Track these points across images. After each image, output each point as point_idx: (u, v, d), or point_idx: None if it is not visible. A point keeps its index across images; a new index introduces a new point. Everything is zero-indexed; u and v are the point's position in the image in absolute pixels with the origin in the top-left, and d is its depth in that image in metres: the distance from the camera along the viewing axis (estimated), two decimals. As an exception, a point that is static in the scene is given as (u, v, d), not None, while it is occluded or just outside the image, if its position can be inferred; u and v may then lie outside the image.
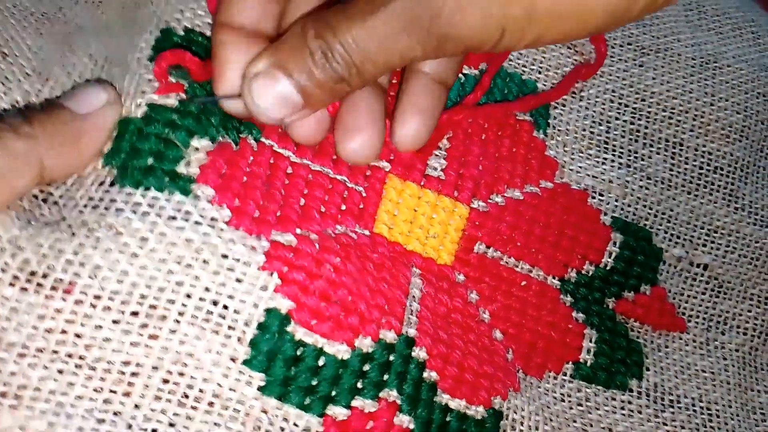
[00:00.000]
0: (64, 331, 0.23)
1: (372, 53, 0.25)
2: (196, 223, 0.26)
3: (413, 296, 0.30)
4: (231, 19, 0.27)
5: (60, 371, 0.23)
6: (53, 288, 0.24)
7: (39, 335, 0.23)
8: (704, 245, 0.37)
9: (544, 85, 0.37)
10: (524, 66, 0.37)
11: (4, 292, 0.23)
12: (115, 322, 0.24)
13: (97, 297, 0.24)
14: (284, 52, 0.25)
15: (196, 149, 0.27)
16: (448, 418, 0.28)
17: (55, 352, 0.23)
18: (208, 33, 0.30)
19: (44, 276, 0.24)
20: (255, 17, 0.27)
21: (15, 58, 0.29)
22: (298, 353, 0.26)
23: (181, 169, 0.26)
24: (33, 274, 0.24)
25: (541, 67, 0.37)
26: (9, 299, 0.23)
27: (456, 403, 0.29)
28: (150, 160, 0.26)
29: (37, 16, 0.32)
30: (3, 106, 0.27)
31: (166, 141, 0.27)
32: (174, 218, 0.25)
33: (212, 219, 0.26)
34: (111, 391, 0.24)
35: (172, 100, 0.28)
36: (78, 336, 0.24)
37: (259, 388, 0.25)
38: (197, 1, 0.31)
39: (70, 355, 0.23)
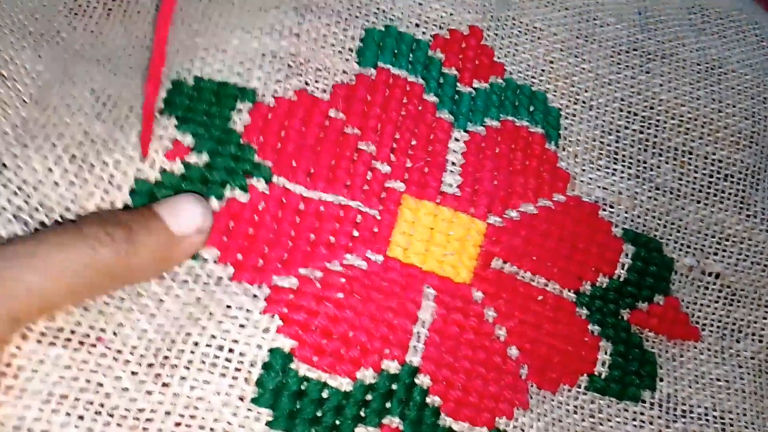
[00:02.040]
0: (87, 381, 0.25)
1: None
2: (205, 283, 0.28)
3: (422, 322, 0.30)
4: None
5: (80, 417, 0.25)
6: (80, 342, 0.26)
7: (64, 383, 0.25)
8: (716, 254, 0.37)
9: (554, 95, 0.37)
10: (533, 77, 0.37)
11: (31, 347, 0.25)
12: (133, 373, 0.26)
13: (119, 351, 0.26)
14: None
15: None
16: None
17: (77, 399, 0.25)
18: (218, 78, 0.31)
19: (72, 332, 0.26)
20: None
21: (13, 82, 0.29)
22: (303, 388, 0.27)
23: None
24: (60, 330, 0.26)
25: (550, 78, 0.37)
26: (36, 352, 0.25)
27: (459, 426, 0.29)
28: None
29: (35, 36, 0.31)
30: (4, 129, 0.27)
31: None
32: (186, 281, 0.28)
33: (218, 278, 0.28)
34: None
35: (178, 165, 0.29)
36: (100, 385, 0.25)
37: (267, 423, 0.27)
38: (206, 49, 0.32)
39: (90, 402, 0.25)
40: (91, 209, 0.27)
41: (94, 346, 0.26)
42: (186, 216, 0.27)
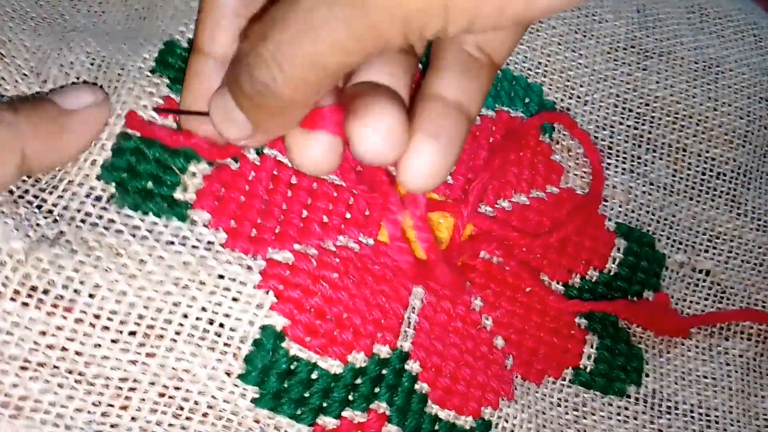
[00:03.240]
0: (64, 348, 0.24)
1: (297, 53, 0.21)
2: (193, 246, 0.27)
3: (413, 308, 0.30)
4: (205, 48, 0.27)
5: (60, 385, 0.24)
6: (54, 305, 0.25)
7: (40, 350, 0.24)
8: (706, 251, 0.37)
9: (549, 88, 0.37)
10: (529, 69, 0.37)
11: (6, 307, 0.24)
12: (113, 341, 0.25)
13: (96, 316, 0.25)
14: (229, 67, 0.24)
15: (193, 174, 0.28)
16: (436, 428, 0.29)
17: (56, 367, 0.24)
18: None
19: (45, 292, 0.25)
20: (228, 46, 0.26)
21: (12, 59, 0.29)
22: (292, 368, 0.27)
23: (178, 195, 0.27)
24: (34, 289, 0.25)
25: (546, 71, 0.37)
26: (11, 313, 0.24)
27: (445, 414, 0.29)
28: (149, 184, 0.27)
29: (37, 20, 0.31)
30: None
31: (164, 166, 0.27)
32: (172, 243, 0.26)
33: (209, 242, 0.27)
34: (109, 404, 0.25)
35: (170, 123, 0.28)
36: (78, 353, 0.25)
37: (253, 400, 0.26)
38: None
39: (70, 371, 0.24)
40: (74, 167, 0.27)
41: (68, 310, 0.25)
42: (73, 93, 0.27)
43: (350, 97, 0.23)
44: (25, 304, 0.24)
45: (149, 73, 0.29)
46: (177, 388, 0.25)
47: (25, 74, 0.28)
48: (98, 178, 0.27)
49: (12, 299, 0.24)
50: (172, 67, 0.29)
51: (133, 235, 0.26)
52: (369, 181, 0.30)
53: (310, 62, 0.21)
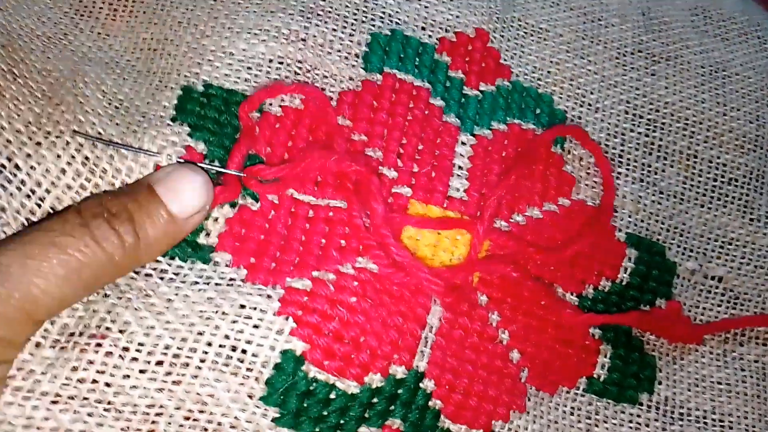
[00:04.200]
0: (95, 381, 0.26)
1: None
2: (216, 284, 0.28)
3: (430, 327, 0.30)
4: None
5: (90, 414, 0.26)
6: (87, 343, 0.26)
7: (71, 385, 0.26)
8: (718, 258, 0.37)
9: (560, 97, 0.37)
10: (539, 79, 0.37)
11: (45, 354, 0.26)
12: (141, 371, 0.26)
13: (125, 349, 0.26)
14: None
15: (215, 219, 0.29)
16: None
17: (86, 398, 0.26)
18: (227, 85, 0.31)
19: (80, 335, 0.26)
20: None
21: (25, 79, 0.29)
22: (311, 389, 0.28)
23: (201, 240, 0.29)
24: (72, 335, 0.26)
25: (556, 80, 0.37)
26: (48, 358, 0.26)
27: (456, 428, 0.30)
28: None
29: (43, 39, 0.31)
30: (17, 126, 0.28)
31: None
32: (197, 282, 0.28)
33: (230, 279, 0.28)
34: (137, 429, 0.26)
35: None
36: (108, 384, 0.26)
37: (273, 420, 0.27)
38: (213, 52, 0.32)
39: (99, 401, 0.26)
40: None
41: (99, 345, 0.26)
42: (187, 196, 0.27)
43: None
44: (63, 348, 0.26)
45: (170, 122, 0.30)
46: (201, 411, 0.27)
47: (38, 96, 0.29)
48: None
49: (51, 347, 0.26)
50: (192, 113, 0.30)
51: (161, 278, 0.28)
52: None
53: None
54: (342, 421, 0.28)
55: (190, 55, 0.32)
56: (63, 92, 0.29)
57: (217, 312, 0.27)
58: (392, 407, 0.29)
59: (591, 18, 0.40)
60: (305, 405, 0.28)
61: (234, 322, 0.27)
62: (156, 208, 0.26)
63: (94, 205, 0.26)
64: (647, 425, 0.34)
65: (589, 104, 0.37)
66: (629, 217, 0.36)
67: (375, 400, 0.29)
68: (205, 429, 0.27)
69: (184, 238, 0.28)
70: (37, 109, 0.28)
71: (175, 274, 0.28)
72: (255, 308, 0.28)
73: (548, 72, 0.37)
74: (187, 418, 0.26)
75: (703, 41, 0.41)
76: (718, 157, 0.39)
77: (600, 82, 0.38)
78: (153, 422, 0.26)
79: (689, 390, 0.35)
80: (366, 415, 0.28)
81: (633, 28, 0.40)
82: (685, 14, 0.42)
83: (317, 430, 0.28)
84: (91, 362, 0.26)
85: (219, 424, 0.27)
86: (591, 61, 0.38)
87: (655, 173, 0.37)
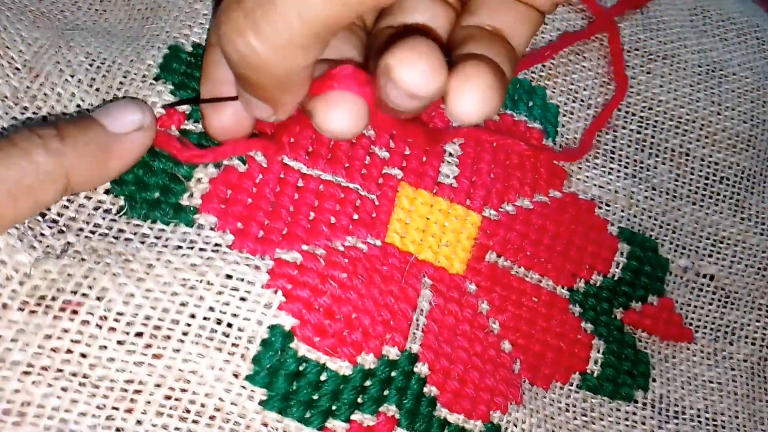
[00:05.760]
0: (69, 351, 0.24)
1: (279, 11, 0.20)
2: (201, 249, 0.26)
3: (421, 309, 0.30)
4: None
5: (64, 389, 0.24)
6: (61, 309, 0.24)
7: (44, 354, 0.24)
8: (710, 256, 0.37)
9: (553, 92, 0.37)
10: (533, 72, 0.37)
11: (12, 317, 0.24)
12: (119, 342, 0.24)
13: (103, 318, 0.24)
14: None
15: (199, 180, 0.28)
16: None
17: (60, 370, 0.24)
18: None
19: (53, 299, 0.24)
20: None
21: (6, 50, 0.28)
22: (300, 369, 0.26)
23: (184, 201, 0.27)
24: (42, 298, 0.24)
25: (549, 74, 0.37)
26: (17, 322, 0.24)
27: (454, 418, 0.29)
28: (156, 194, 0.27)
29: (36, 13, 0.31)
30: None
31: (171, 175, 0.28)
32: (180, 247, 0.26)
33: (216, 245, 0.27)
34: (113, 408, 0.24)
35: (174, 133, 0.28)
36: (83, 356, 0.24)
37: (261, 402, 0.26)
38: (206, 15, 0.31)
39: (74, 374, 0.24)
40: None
41: (75, 312, 0.24)
42: (122, 114, 0.26)
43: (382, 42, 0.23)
44: (33, 312, 0.24)
45: (153, 81, 0.29)
46: (183, 390, 0.25)
47: (17, 68, 0.28)
48: (107, 192, 0.27)
49: (20, 309, 0.24)
50: (177, 72, 0.29)
51: (142, 242, 0.26)
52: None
53: (294, 20, 0.19)
54: (334, 407, 0.26)
55: (182, 18, 0.31)
56: (45, 60, 0.28)
57: (201, 281, 0.26)
58: (386, 392, 0.27)
59: (589, 15, 0.40)
60: (294, 387, 0.26)
61: (219, 293, 0.26)
62: (88, 122, 0.25)
63: (22, 127, 0.25)
64: (643, 423, 0.33)
65: (582, 100, 0.37)
66: (622, 211, 0.36)
67: (368, 383, 0.27)
68: (187, 410, 0.25)
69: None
70: (15, 82, 0.27)
71: (156, 237, 0.26)
72: (242, 279, 0.26)
73: (542, 65, 0.37)
74: (168, 398, 0.25)
75: (701, 41, 0.41)
76: (711, 156, 0.39)
77: (593, 79, 0.38)
78: (131, 400, 0.24)
79: (682, 388, 0.35)
80: (359, 401, 0.27)
81: (631, 25, 0.40)
82: (684, 13, 0.42)
83: (308, 415, 0.26)
84: (65, 330, 0.24)
85: (202, 405, 0.25)
86: (586, 57, 0.38)
87: (648, 170, 0.37)
